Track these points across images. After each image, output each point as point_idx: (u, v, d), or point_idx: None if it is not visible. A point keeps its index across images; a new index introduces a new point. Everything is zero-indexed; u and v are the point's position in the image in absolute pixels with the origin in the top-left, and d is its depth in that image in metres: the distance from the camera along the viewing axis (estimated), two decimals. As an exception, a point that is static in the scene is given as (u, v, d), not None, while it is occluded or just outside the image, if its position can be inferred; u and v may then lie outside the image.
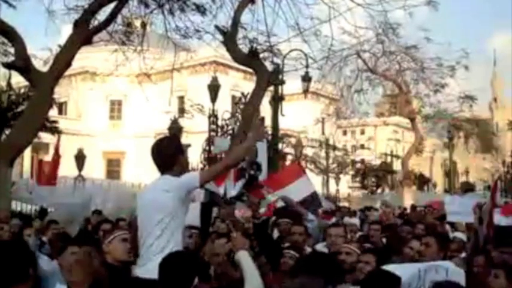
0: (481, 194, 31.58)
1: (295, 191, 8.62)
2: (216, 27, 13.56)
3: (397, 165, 43.98)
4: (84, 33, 11.54)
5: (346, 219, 11.12)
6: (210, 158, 16.98)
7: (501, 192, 52.32)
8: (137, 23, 16.06)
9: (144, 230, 4.43)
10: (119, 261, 4.64)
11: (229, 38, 13.01)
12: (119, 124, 55.36)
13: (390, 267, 4.01)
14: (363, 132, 75.38)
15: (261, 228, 6.21)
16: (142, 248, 4.41)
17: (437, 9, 19.95)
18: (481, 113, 60.39)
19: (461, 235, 7.71)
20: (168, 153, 4.55)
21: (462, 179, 61.59)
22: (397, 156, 48.95)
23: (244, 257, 3.93)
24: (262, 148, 14.21)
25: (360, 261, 4.79)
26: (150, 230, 4.36)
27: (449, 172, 45.59)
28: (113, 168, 54.15)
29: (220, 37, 13.61)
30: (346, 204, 27.90)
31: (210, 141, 18.57)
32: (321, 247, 6.69)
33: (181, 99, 45.21)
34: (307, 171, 43.82)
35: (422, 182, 55.55)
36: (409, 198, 26.14)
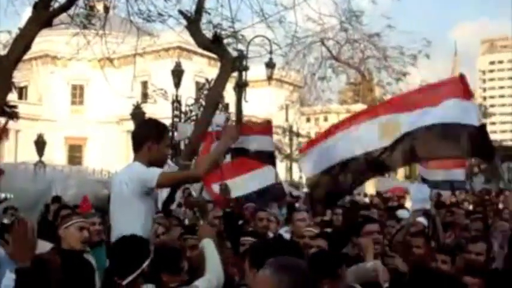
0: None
1: (251, 182, 8.69)
2: (180, 11, 13.41)
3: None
4: (44, 16, 11.27)
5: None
6: (173, 145, 16.89)
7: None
8: (99, 6, 15.79)
9: (111, 217, 4.40)
10: (74, 248, 4.57)
11: (193, 23, 12.89)
12: (81, 109, 54.50)
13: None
14: (326, 119, 75.66)
15: (229, 215, 6.23)
16: (112, 234, 4.38)
17: (400, -2, 20.18)
18: (441, 101, 61.47)
19: (422, 219, 7.86)
20: (137, 137, 4.45)
21: (422, 165, 62.63)
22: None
23: (208, 245, 3.94)
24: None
25: (312, 246, 4.85)
26: (115, 217, 4.32)
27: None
28: (75, 154, 53.38)
29: (184, 22, 13.47)
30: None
31: (173, 127, 18.49)
32: (283, 232, 6.76)
33: (144, 84, 44.84)
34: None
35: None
36: (370, 184, 26.46)
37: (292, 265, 2.23)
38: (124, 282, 3.38)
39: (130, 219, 4.21)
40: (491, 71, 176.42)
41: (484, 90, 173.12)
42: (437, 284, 2.31)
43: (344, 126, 6.90)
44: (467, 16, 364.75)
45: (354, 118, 7.02)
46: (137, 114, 21.58)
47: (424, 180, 10.75)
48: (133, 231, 4.17)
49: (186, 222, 7.68)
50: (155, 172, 4.23)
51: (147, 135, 4.39)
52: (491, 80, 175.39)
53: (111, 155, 44.73)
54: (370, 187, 24.78)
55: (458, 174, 11.82)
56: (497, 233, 7.08)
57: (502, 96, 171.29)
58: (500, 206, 11.63)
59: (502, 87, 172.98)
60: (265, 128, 10.22)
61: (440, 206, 10.21)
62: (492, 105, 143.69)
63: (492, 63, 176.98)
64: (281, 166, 43.96)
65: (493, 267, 5.30)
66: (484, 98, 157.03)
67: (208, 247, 3.93)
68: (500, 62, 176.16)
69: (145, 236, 4.25)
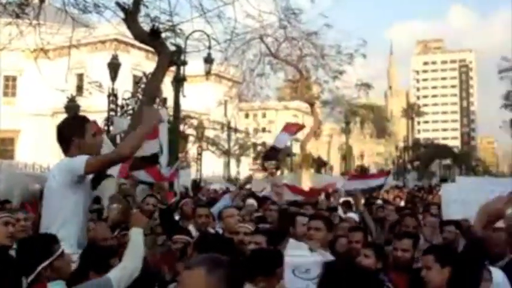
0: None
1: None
2: (117, 3, 13.20)
3: (296, 149, 44.89)
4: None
5: (248, 201, 11.26)
6: (109, 139, 16.60)
7: (393, 175, 54.86)
8: (33, -5, 15.34)
9: (43, 217, 4.31)
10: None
11: (130, 15, 12.72)
12: (13, 101, 52.72)
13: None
14: (264, 116, 76.38)
15: (166, 212, 6.18)
16: (41, 228, 4.29)
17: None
18: (376, 100, 62.90)
19: (353, 215, 8.03)
20: (63, 134, 4.39)
21: (358, 162, 64.02)
22: (297, 140, 50.02)
23: (135, 235, 3.91)
24: (162, 129, 14.07)
25: (250, 242, 4.88)
26: (47, 214, 4.23)
27: (346, 156, 47.18)
28: (6, 147, 51.61)
29: (121, 14, 13.27)
30: (247, 186, 28.19)
31: (109, 121, 18.19)
32: (217, 228, 6.78)
33: (80, 77, 43.83)
34: (208, 153, 43.54)
35: (320, 164, 57.12)
36: (306, 180, 26.76)
37: (222, 261, 2.24)
38: (28, 280, 3.34)
39: (59, 212, 4.14)
40: (425, 71, 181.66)
41: (418, 89, 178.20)
42: (343, 277, 2.36)
43: None
44: (402, 17, 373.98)
45: None
46: (71, 107, 21.11)
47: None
48: (62, 223, 4.10)
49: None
50: (82, 159, 4.16)
51: (71, 134, 4.35)
52: (425, 80, 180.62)
53: (45, 149, 43.54)
54: (306, 183, 25.06)
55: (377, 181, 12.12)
56: (427, 229, 7.30)
57: (434, 96, 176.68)
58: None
59: (434, 87, 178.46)
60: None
61: (371, 202, 10.43)
62: (425, 105, 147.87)
63: (426, 63, 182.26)
64: (219, 162, 44.00)
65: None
66: (418, 98, 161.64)
67: (134, 236, 3.90)
68: (434, 62, 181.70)
69: (76, 227, 4.19)
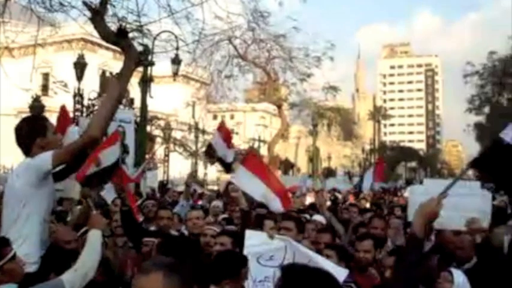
0: (341, 179, 33.28)
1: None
2: (84, 3, 13.01)
3: (264, 150, 44.99)
4: None
5: (214, 203, 11.25)
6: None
7: (359, 177, 55.31)
8: (-3, -7, 15.06)
9: (3, 217, 4.23)
10: None
11: (97, 15, 12.58)
12: (-24, 100, 51.77)
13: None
14: (232, 117, 76.30)
15: (127, 214, 6.13)
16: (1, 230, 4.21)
17: (306, 0, 20.69)
18: (344, 103, 63.40)
19: (320, 218, 8.08)
20: (23, 136, 4.33)
21: (325, 164, 64.37)
22: (264, 142, 50.14)
23: (93, 236, 3.88)
24: (130, 130, 13.98)
25: (216, 243, 4.88)
26: (6, 217, 4.16)
27: (313, 158, 47.44)
28: (-31, 147, 50.62)
29: (88, 13, 13.11)
30: (215, 187, 28.16)
31: (74, 121, 17.97)
32: (183, 229, 6.76)
33: (45, 76, 43.26)
34: (175, 154, 43.16)
35: (287, 166, 57.35)
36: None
37: (179, 266, 2.23)
38: None
39: (22, 211, 4.08)
40: (392, 75, 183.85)
41: (384, 93, 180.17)
42: (301, 279, 2.38)
43: None
44: (370, 21, 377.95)
45: None
46: (36, 107, 20.76)
47: None
48: (24, 223, 4.04)
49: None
50: (47, 154, 4.12)
51: (34, 135, 4.31)
52: (392, 83, 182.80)
53: (8, 149, 42.74)
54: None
55: None
56: (391, 230, 7.39)
57: (401, 99, 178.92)
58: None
59: (401, 91, 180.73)
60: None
61: (336, 204, 10.51)
62: (392, 108, 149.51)
63: (392, 67, 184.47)
64: (186, 163, 43.77)
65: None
66: (384, 101, 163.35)
67: (92, 238, 3.87)
68: (400, 66, 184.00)
69: (39, 227, 4.13)
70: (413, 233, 3.06)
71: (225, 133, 9.92)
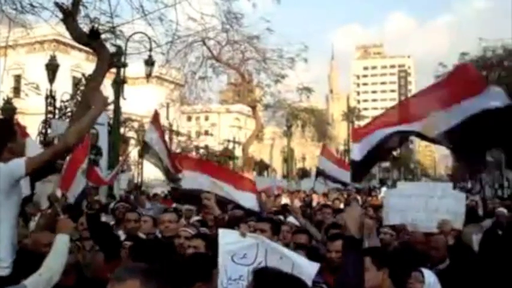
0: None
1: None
2: (56, 4, 12.94)
3: (238, 152, 45.00)
4: None
5: (187, 205, 11.22)
6: (46, 142, 16.24)
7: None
8: (-33, -6, 14.85)
9: None
10: None
11: (69, 16, 12.49)
12: None
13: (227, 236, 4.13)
14: (207, 119, 76.20)
15: (93, 217, 6.04)
16: None
17: (280, 2, 20.81)
18: (318, 104, 63.72)
19: (293, 220, 8.10)
20: None
21: (299, 165, 64.66)
22: (239, 143, 50.17)
23: (60, 241, 3.85)
24: (103, 132, 13.87)
25: (190, 246, 4.88)
26: None
27: (288, 159, 47.59)
28: None
29: (60, 14, 13.00)
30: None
31: (46, 123, 17.79)
32: (158, 232, 6.73)
33: (17, 78, 42.72)
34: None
35: (262, 167, 57.46)
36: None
37: (155, 272, 2.21)
38: None
39: None
40: (365, 75, 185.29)
41: (358, 93, 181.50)
42: (273, 283, 2.40)
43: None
44: (343, 23, 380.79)
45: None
46: (8, 109, 20.50)
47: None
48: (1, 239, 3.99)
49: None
50: (19, 161, 4.04)
51: (4, 140, 4.20)
52: (365, 84, 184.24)
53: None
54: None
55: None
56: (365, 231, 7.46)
57: (374, 100, 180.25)
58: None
59: (374, 92, 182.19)
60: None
61: (308, 205, 10.55)
62: (365, 109, 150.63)
63: (366, 68, 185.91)
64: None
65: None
66: (358, 102, 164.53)
67: (59, 242, 3.84)
68: (374, 67, 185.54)
69: (10, 231, 4.07)
70: (351, 235, 3.10)
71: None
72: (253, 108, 30.79)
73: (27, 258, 3.98)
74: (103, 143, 13.58)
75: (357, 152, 6.93)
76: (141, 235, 6.28)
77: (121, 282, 2.12)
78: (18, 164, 4.04)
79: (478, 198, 16.82)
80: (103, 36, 13.62)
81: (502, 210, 12.05)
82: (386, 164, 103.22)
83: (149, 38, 18.13)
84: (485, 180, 32.83)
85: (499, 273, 5.02)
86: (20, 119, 25.51)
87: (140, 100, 41.86)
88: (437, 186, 7.27)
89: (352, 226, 3.11)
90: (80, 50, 42.70)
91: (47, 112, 18.59)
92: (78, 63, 45.35)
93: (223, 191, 7.94)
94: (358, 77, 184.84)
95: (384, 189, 22.64)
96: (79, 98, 17.61)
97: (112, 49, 14.49)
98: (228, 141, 54.73)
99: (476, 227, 6.41)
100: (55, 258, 3.70)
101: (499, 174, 38.46)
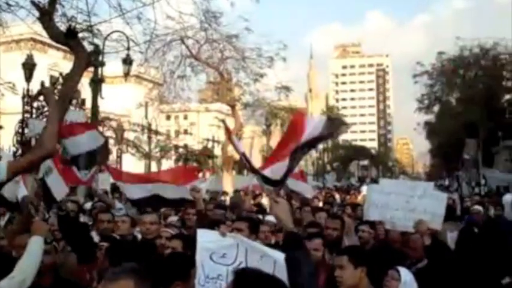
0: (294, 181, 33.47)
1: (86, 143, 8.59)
2: (32, 2, 12.80)
3: (218, 151, 44.97)
4: None
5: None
6: (23, 142, 16.09)
7: (313, 176, 55.96)
8: None
9: None
10: None
11: (46, 14, 12.36)
12: None
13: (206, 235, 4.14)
14: (186, 118, 75.99)
15: (64, 218, 5.96)
16: None
17: (259, 1, 20.84)
18: (297, 103, 63.89)
19: (272, 218, 8.12)
20: None
21: (279, 164, 64.68)
22: (218, 142, 50.10)
23: (34, 243, 3.83)
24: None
25: (168, 247, 4.89)
26: None
27: (267, 157, 47.58)
28: None
29: (36, 13, 12.87)
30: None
31: (23, 123, 17.62)
32: (137, 233, 6.71)
33: (-7, 77, 42.15)
34: (128, 156, 42.49)
35: (241, 166, 57.38)
36: (228, 182, 26.90)
37: (148, 272, 2.21)
38: None
39: None
40: (344, 74, 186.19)
41: (337, 92, 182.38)
42: (253, 283, 2.42)
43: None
44: (322, 22, 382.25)
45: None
46: (-17, 108, 20.29)
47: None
48: None
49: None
50: (1, 165, 3.96)
51: None
52: (343, 83, 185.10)
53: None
54: (228, 186, 25.21)
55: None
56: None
57: (353, 99, 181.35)
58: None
59: (353, 91, 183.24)
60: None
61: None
62: (344, 107, 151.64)
63: (344, 67, 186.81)
64: (140, 165, 43.36)
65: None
66: (337, 100, 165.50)
67: (33, 244, 3.82)
68: (352, 66, 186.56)
69: None
70: (291, 231, 3.19)
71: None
72: (233, 107, 30.73)
73: (1, 260, 3.95)
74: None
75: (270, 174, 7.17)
76: (116, 236, 6.24)
77: (113, 282, 2.12)
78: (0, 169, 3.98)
79: (456, 196, 17.04)
80: (80, 35, 13.49)
81: (478, 208, 12.21)
82: (364, 163, 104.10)
83: (127, 37, 18.02)
84: (462, 178, 33.29)
85: (475, 271, 5.10)
86: (-4, 118, 25.28)
87: (118, 99, 41.66)
88: (419, 186, 7.28)
89: (289, 223, 3.20)
90: (58, 48, 42.33)
91: (24, 111, 18.40)
92: (55, 62, 44.95)
93: (167, 192, 8.19)
94: (336, 76, 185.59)
95: (364, 187, 22.82)
96: (56, 97, 17.42)
97: (90, 48, 14.38)
98: (207, 140, 54.63)
99: (452, 225, 6.49)
100: (29, 260, 3.68)
101: (476, 172, 38.99)
